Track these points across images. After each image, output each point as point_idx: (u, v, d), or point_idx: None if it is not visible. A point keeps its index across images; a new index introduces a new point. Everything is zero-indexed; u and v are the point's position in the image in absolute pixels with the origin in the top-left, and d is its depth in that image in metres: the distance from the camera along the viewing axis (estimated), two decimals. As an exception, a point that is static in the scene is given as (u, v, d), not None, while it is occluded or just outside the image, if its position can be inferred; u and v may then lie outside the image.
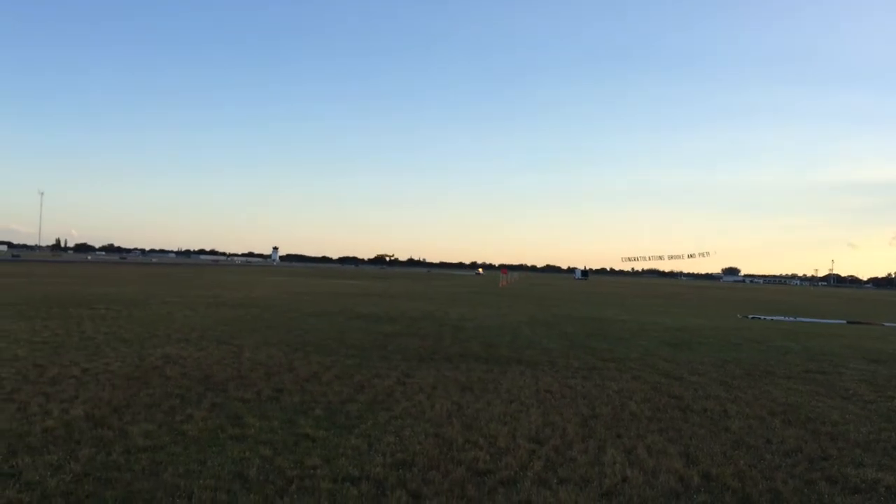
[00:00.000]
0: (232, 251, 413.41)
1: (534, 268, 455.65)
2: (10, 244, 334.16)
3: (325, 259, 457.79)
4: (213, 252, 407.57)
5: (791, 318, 37.61)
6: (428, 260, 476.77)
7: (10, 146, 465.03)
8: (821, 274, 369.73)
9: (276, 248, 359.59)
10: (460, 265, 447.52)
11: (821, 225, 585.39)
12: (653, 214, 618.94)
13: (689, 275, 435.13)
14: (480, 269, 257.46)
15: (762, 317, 38.05)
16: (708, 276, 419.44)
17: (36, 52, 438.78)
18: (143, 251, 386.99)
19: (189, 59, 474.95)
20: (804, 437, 9.60)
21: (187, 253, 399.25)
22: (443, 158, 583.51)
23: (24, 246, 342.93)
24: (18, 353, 13.66)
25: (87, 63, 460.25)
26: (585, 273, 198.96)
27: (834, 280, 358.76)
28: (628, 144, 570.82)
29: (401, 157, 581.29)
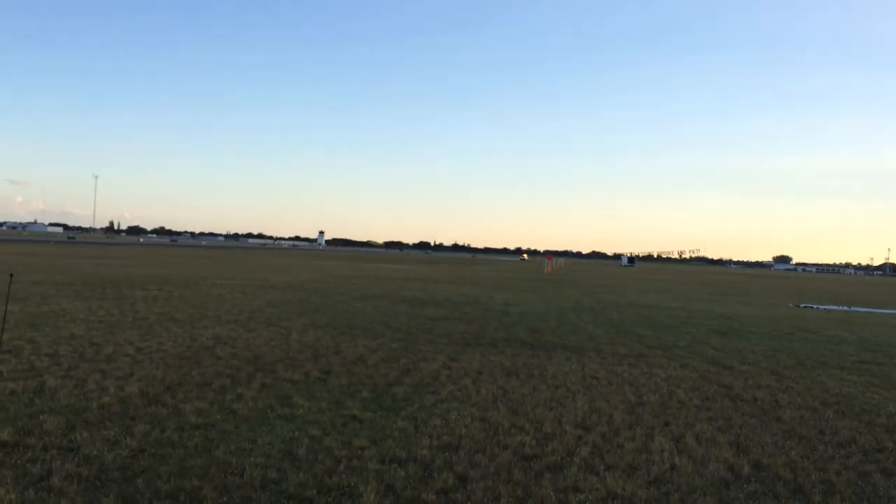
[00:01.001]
0: (279, 235, 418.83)
1: (579, 254, 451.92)
2: (66, 226, 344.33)
3: (370, 243, 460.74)
4: (260, 236, 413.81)
5: (844, 308, 36.66)
6: (472, 245, 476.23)
7: (65, 131, 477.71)
8: (876, 263, 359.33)
9: (322, 233, 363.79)
10: (505, 251, 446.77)
11: (878, 212, 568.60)
12: (703, 201, 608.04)
13: (738, 262, 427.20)
14: (525, 255, 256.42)
15: (814, 306, 37.17)
16: (758, 265, 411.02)
17: (91, 40, 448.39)
18: (192, 234, 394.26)
19: (237, 44, 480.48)
20: (858, 428, 9.36)
21: (236, 236, 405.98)
22: (488, 144, 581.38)
23: (80, 228, 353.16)
24: (75, 331, 14.06)
25: (142, 49, 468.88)
26: (632, 260, 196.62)
27: (890, 269, 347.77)
28: (680, 131, 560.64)
29: (446, 143, 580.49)
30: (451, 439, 7.76)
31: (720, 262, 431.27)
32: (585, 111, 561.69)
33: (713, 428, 8.99)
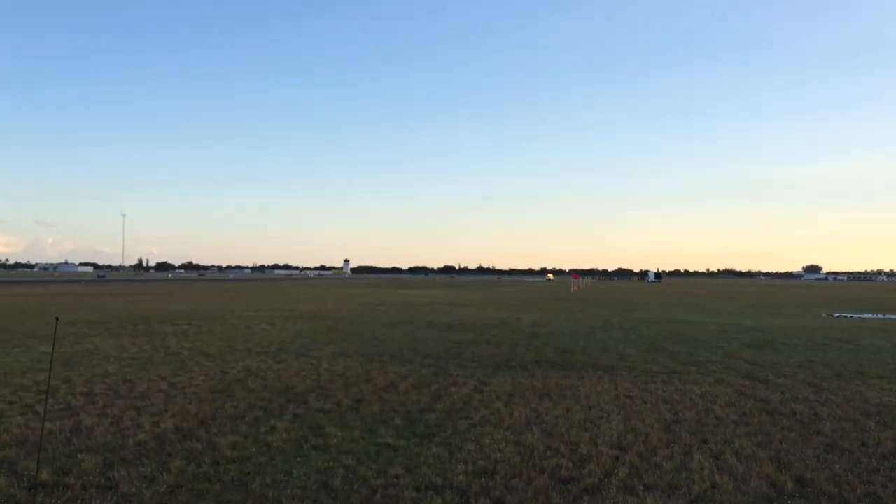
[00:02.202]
0: (304, 265, 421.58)
1: (605, 272, 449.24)
2: (96, 265, 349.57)
3: (395, 270, 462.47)
4: (286, 266, 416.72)
5: (880, 316, 35.98)
6: (497, 267, 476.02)
7: (92, 171, 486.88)
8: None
9: (346, 261, 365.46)
10: (530, 271, 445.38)
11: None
12: (728, 212, 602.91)
13: (767, 274, 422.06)
14: (551, 275, 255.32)
15: (848, 315, 36.53)
16: (788, 275, 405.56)
17: (118, 78, 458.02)
18: (219, 268, 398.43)
19: (258, 82, 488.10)
20: (903, 439, 9.15)
21: (262, 268, 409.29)
22: (509, 166, 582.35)
23: (109, 266, 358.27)
24: (109, 369, 14.21)
25: (165, 89, 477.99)
26: (658, 276, 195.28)
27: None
28: (703, 141, 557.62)
29: (466, 166, 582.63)
30: (487, 464, 7.70)
31: (749, 274, 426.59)
32: (607, 126, 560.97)
33: (752, 444, 8.84)
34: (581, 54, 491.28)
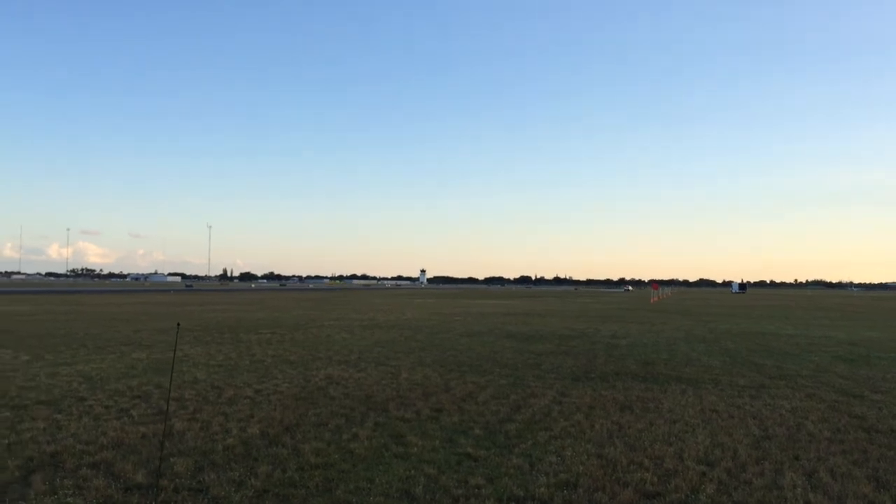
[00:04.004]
0: (382, 275, 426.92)
1: (686, 282, 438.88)
2: (183, 275, 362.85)
3: (471, 280, 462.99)
4: (364, 276, 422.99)
5: None
6: (574, 277, 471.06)
7: (182, 184, 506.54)
8: None
9: (423, 271, 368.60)
10: (608, 282, 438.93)
11: None
12: (817, 220, 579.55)
13: (860, 285, 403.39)
14: (629, 286, 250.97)
15: (951, 328, 34.51)
16: (882, 286, 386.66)
17: (197, 93, 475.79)
18: (300, 278, 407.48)
19: (339, 98, 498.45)
20: None
21: (340, 278, 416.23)
22: (587, 177, 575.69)
23: (196, 276, 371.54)
24: (198, 375, 14.71)
25: (249, 104, 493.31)
26: (743, 286, 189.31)
27: None
28: (791, 148, 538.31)
29: (544, 177, 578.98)
30: (569, 477, 7.61)
31: (839, 285, 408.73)
32: (691, 135, 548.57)
33: (848, 461, 8.45)
34: (681, 60, 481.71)
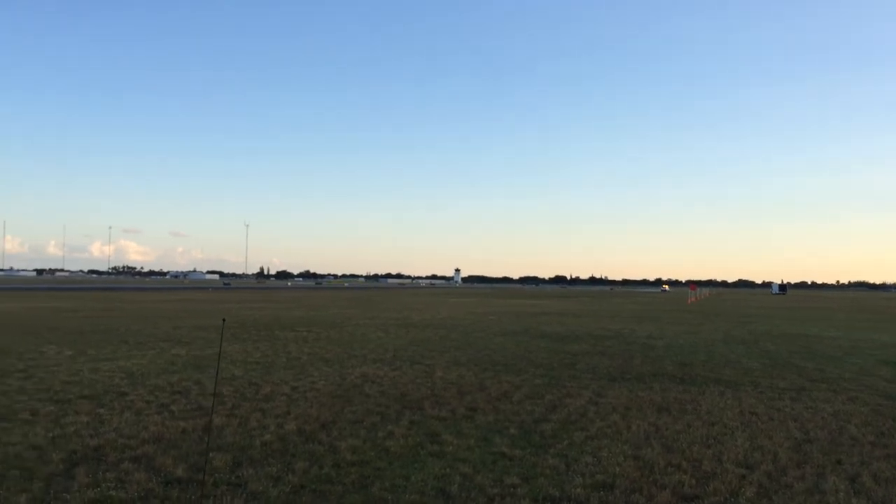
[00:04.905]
0: (416, 274, 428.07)
1: (724, 283, 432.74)
2: (221, 273, 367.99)
3: (505, 279, 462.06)
4: (399, 275, 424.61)
5: None
6: (610, 277, 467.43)
7: (220, 184, 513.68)
8: None
9: (457, 270, 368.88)
10: (644, 282, 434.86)
11: None
12: (860, 221, 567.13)
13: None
14: (666, 286, 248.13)
15: None
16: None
17: (236, 93, 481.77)
18: (335, 276, 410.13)
19: (374, 98, 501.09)
20: None
21: (375, 277, 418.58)
22: (622, 177, 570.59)
23: (233, 274, 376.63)
24: (236, 372, 14.90)
25: (283, 103, 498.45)
26: (783, 287, 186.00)
27: None
28: (831, 149, 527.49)
29: (579, 177, 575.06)
30: (605, 478, 7.54)
31: (883, 286, 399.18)
32: (731, 135, 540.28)
33: (892, 466, 8.25)
34: (735, 58, 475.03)
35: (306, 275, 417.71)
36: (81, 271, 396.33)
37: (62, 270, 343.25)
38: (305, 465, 7.81)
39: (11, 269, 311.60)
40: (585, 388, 13.68)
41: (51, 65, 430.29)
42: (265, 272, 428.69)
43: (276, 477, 7.35)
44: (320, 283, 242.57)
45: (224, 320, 8.96)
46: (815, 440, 9.58)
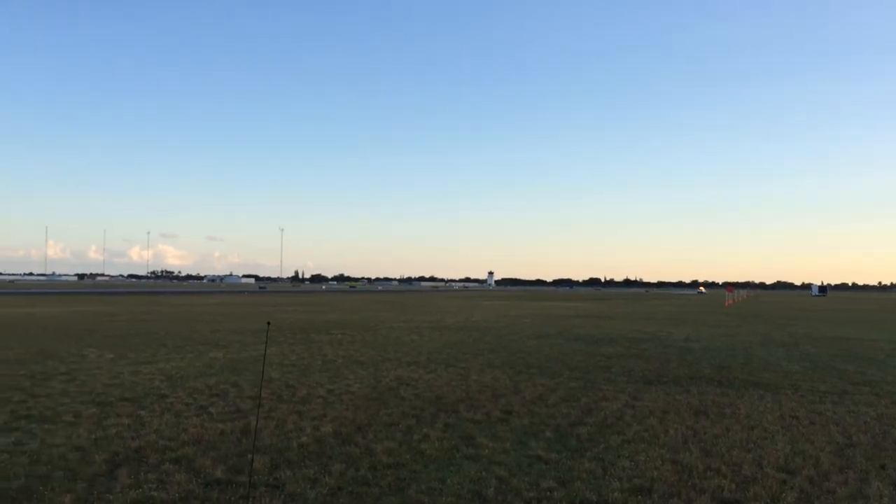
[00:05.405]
0: (449, 277, 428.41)
1: (762, 285, 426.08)
2: (257, 277, 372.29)
3: (539, 282, 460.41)
4: (432, 278, 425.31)
5: None
6: (645, 279, 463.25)
7: (256, 188, 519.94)
8: None
9: (491, 273, 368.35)
10: (680, 284, 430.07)
11: None
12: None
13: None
14: (702, 288, 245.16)
15: None
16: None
17: (269, 99, 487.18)
18: (369, 280, 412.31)
19: (406, 101, 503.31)
20: None
21: (409, 280, 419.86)
22: (657, 179, 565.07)
23: (269, 278, 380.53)
24: (272, 375, 15.06)
25: (318, 106, 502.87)
26: (823, 289, 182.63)
27: None
28: (875, 146, 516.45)
29: (614, 178, 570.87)
30: (643, 482, 7.48)
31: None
32: (768, 136, 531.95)
33: (940, 473, 8.05)
34: (781, 58, 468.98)
35: (340, 278, 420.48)
36: (121, 275, 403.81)
37: (102, 275, 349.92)
38: (342, 467, 7.87)
39: (54, 274, 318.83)
40: (621, 391, 13.58)
41: (94, 70, 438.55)
42: (300, 276, 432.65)
43: (314, 479, 7.41)
44: (354, 287, 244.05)
45: (269, 323, 9.08)
46: (858, 444, 9.39)
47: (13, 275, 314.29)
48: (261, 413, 10.77)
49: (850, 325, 39.03)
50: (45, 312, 39.21)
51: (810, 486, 7.48)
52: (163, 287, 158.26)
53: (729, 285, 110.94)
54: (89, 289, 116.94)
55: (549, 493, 7.07)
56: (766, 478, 7.71)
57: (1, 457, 8.10)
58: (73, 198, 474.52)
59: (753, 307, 70.25)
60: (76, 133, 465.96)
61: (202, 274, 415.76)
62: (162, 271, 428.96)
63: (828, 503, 6.92)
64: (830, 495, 7.17)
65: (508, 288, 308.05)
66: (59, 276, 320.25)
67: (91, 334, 24.54)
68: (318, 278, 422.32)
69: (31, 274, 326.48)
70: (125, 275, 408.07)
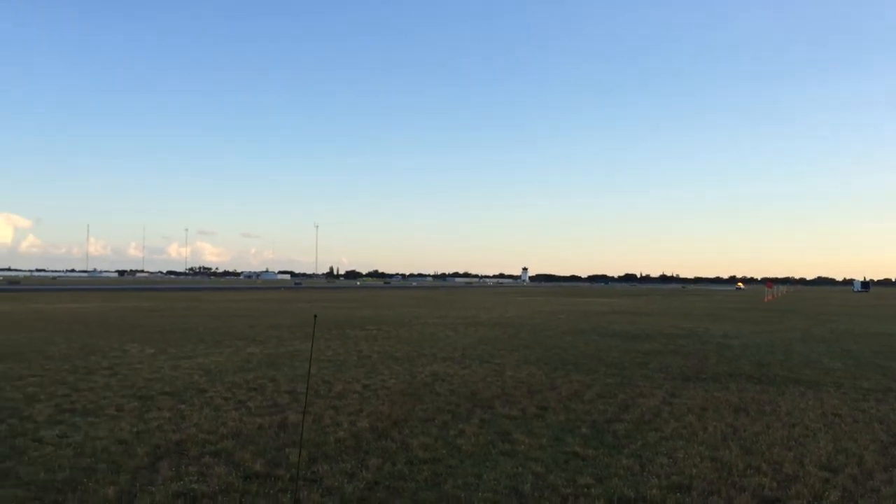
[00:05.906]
0: (483, 273, 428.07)
1: (802, 280, 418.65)
2: (292, 273, 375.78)
3: (574, 277, 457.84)
4: (466, 274, 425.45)
5: None
6: (681, 275, 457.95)
7: (291, 184, 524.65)
8: None
9: (525, 269, 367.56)
10: (717, 280, 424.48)
11: None
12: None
13: None
14: (741, 284, 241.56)
15: None
16: None
17: (306, 95, 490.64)
18: (403, 276, 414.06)
19: (441, 98, 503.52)
20: None
21: (443, 276, 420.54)
22: (694, 176, 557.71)
23: (304, 274, 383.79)
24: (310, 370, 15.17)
25: (352, 103, 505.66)
26: (866, 284, 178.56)
27: None
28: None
29: (649, 175, 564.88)
30: (682, 479, 7.40)
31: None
32: (810, 132, 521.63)
33: None
34: (814, 54, 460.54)
35: (375, 274, 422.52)
36: (160, 272, 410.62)
37: (142, 271, 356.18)
38: (378, 461, 7.91)
39: (95, 271, 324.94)
40: (658, 387, 13.44)
41: (138, 72, 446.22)
42: (335, 272, 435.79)
43: (351, 473, 7.47)
44: (388, 283, 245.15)
45: (316, 317, 9.15)
46: (904, 443, 9.19)
47: (56, 271, 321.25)
48: (298, 408, 10.88)
49: (893, 321, 38.16)
50: (88, 308, 40.05)
51: (854, 484, 7.34)
52: (200, 283, 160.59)
53: (768, 281, 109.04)
54: (129, 285, 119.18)
55: (586, 489, 7.03)
56: (808, 476, 7.57)
57: (46, 449, 8.30)
58: (114, 196, 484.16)
59: (793, 303, 69.05)
60: (118, 134, 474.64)
61: (239, 270, 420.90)
62: (200, 268, 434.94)
63: (872, 502, 6.77)
64: (875, 494, 7.02)
65: (543, 284, 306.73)
66: (100, 272, 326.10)
67: (132, 330, 25.01)
68: (352, 274, 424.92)
69: (73, 270, 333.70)
70: (164, 271, 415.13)
